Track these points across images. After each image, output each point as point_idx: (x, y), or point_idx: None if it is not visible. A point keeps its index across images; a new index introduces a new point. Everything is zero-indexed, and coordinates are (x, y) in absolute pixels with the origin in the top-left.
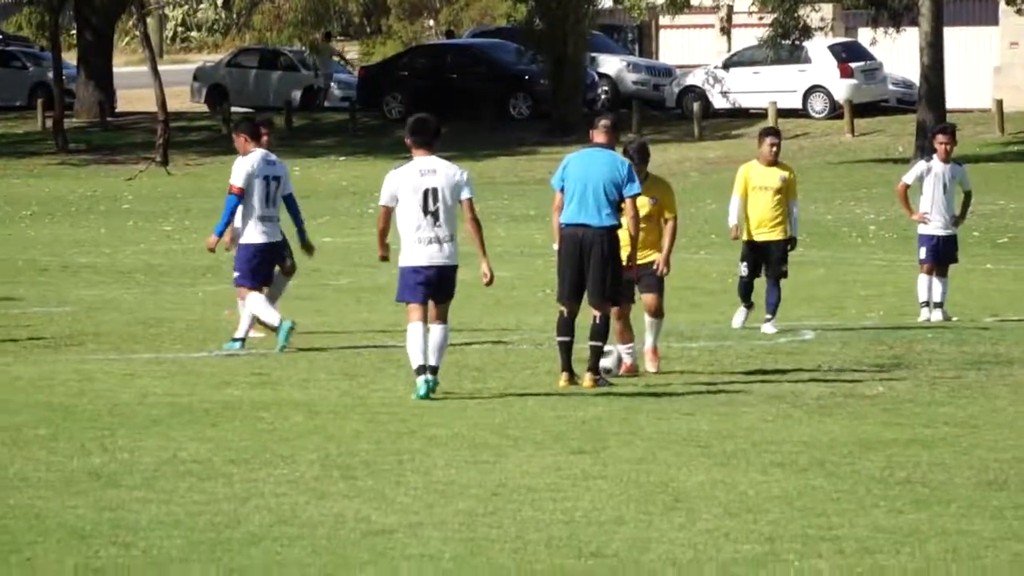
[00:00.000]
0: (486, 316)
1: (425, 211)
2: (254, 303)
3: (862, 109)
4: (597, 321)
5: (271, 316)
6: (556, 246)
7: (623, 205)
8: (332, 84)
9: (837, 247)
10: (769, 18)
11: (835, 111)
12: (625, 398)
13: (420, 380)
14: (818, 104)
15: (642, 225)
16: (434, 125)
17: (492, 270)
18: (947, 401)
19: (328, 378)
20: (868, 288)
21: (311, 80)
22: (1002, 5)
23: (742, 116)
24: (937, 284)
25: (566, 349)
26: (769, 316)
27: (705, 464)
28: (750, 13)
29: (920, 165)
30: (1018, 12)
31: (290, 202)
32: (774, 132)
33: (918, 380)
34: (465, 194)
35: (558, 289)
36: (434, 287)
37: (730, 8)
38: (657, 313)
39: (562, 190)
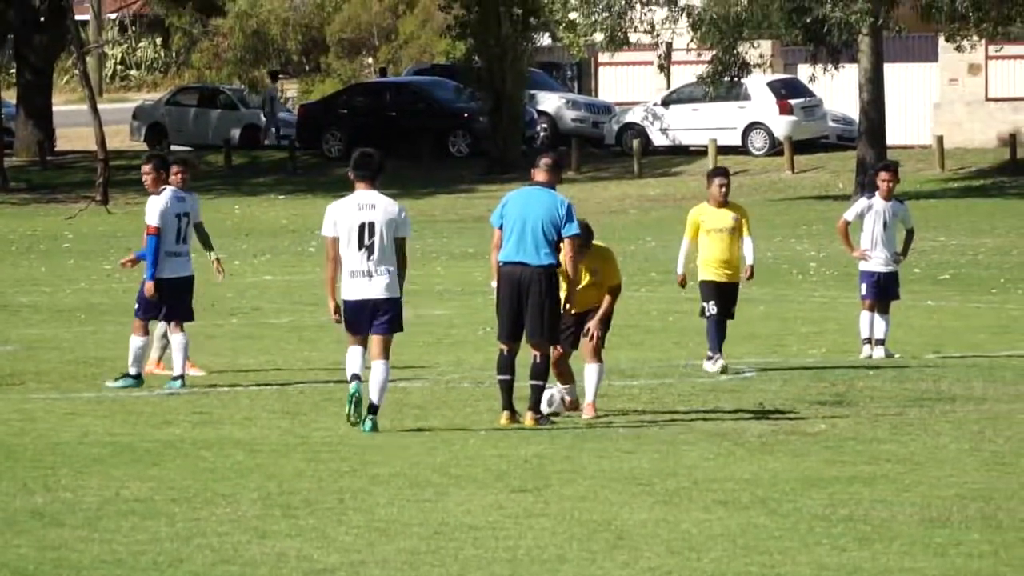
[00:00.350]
0: (426, 354)
1: (360, 244)
2: (178, 344)
3: (802, 146)
4: (537, 360)
5: (179, 363)
6: (494, 283)
7: (561, 245)
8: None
9: (778, 284)
10: (708, 55)
11: (775, 148)
12: (567, 436)
13: (352, 384)
14: (758, 141)
15: (584, 288)
16: (377, 160)
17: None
18: (889, 438)
19: (269, 416)
20: (809, 325)
21: (250, 118)
22: (941, 41)
23: (682, 153)
24: (879, 321)
25: (507, 387)
26: (711, 356)
27: (647, 502)
28: (689, 50)
29: (861, 202)
30: (957, 49)
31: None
32: (722, 172)
33: (860, 417)
34: (400, 233)
35: (498, 328)
36: (368, 319)
37: (669, 45)
38: (595, 357)
39: (501, 228)
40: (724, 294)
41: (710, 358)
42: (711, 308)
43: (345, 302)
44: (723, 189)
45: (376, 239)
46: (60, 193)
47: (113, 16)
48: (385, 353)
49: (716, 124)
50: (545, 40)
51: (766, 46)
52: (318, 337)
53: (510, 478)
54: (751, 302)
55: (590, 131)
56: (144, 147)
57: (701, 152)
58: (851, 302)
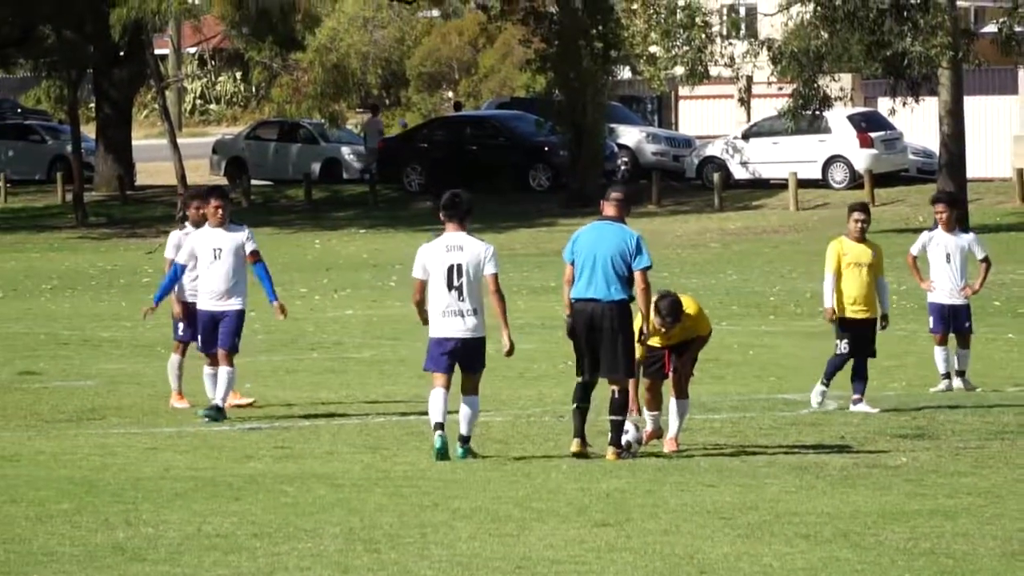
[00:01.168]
0: (508, 388)
1: (450, 286)
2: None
3: (882, 179)
4: (615, 395)
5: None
6: (567, 317)
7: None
8: (352, 157)
9: None
10: (788, 88)
11: (855, 181)
12: (649, 470)
13: (436, 435)
14: (838, 174)
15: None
16: (466, 202)
17: (512, 341)
18: (970, 471)
19: (351, 451)
20: (890, 358)
21: (330, 152)
22: (1021, 74)
23: (762, 187)
24: (960, 354)
25: (580, 415)
26: (859, 397)
27: (729, 536)
28: (769, 83)
29: (923, 235)
30: None
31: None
32: (861, 207)
33: (941, 451)
34: (488, 270)
35: (575, 363)
36: (459, 357)
37: (749, 79)
38: (681, 394)
39: (572, 263)
40: (859, 331)
41: (858, 400)
42: (842, 347)
43: (433, 339)
44: (860, 224)
45: (464, 279)
46: (140, 228)
47: (192, 50)
48: (475, 389)
49: (796, 157)
50: (625, 73)
51: (846, 79)
52: (399, 371)
53: (592, 512)
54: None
55: (671, 165)
56: (225, 181)
57: (782, 185)
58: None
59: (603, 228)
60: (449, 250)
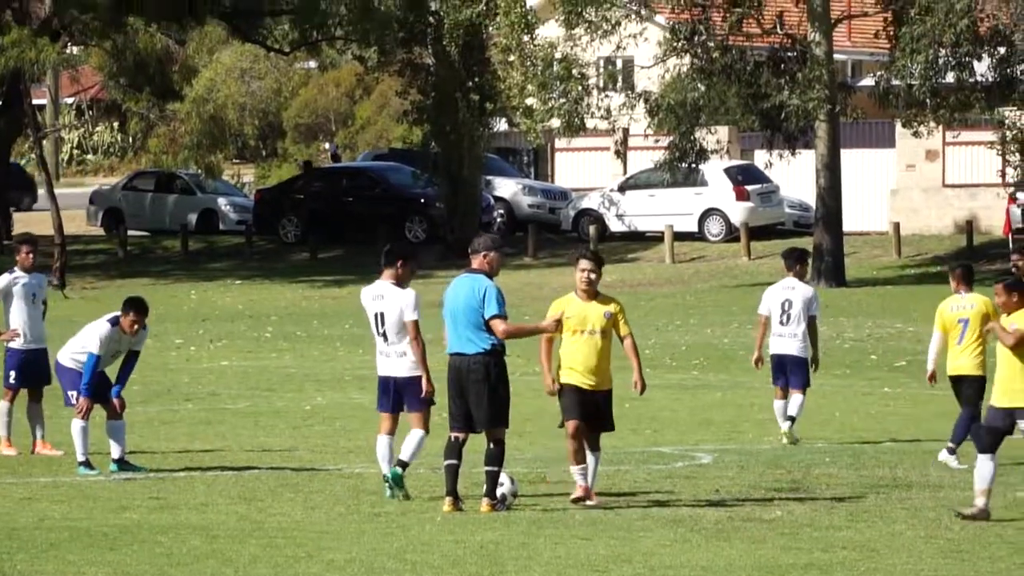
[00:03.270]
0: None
1: (378, 331)
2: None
3: (758, 232)
4: (491, 447)
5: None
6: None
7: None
8: (228, 208)
9: (734, 371)
10: (665, 141)
11: (731, 234)
12: (523, 523)
13: (385, 486)
14: (714, 227)
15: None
16: (396, 251)
17: (432, 386)
18: (845, 525)
19: (226, 502)
20: (765, 412)
21: (207, 203)
22: (898, 127)
23: (638, 239)
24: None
25: (452, 473)
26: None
27: None
28: (646, 136)
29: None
30: (915, 135)
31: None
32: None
33: (816, 504)
34: (407, 316)
35: (449, 418)
36: (395, 395)
37: (626, 131)
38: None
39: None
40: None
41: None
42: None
43: (378, 379)
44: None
45: (387, 327)
46: None
47: (70, 100)
48: (419, 423)
49: (673, 210)
50: (502, 125)
51: (723, 132)
52: (274, 423)
53: (466, 564)
54: (708, 388)
55: (547, 217)
56: (101, 232)
57: (658, 238)
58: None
59: (461, 281)
60: (374, 299)
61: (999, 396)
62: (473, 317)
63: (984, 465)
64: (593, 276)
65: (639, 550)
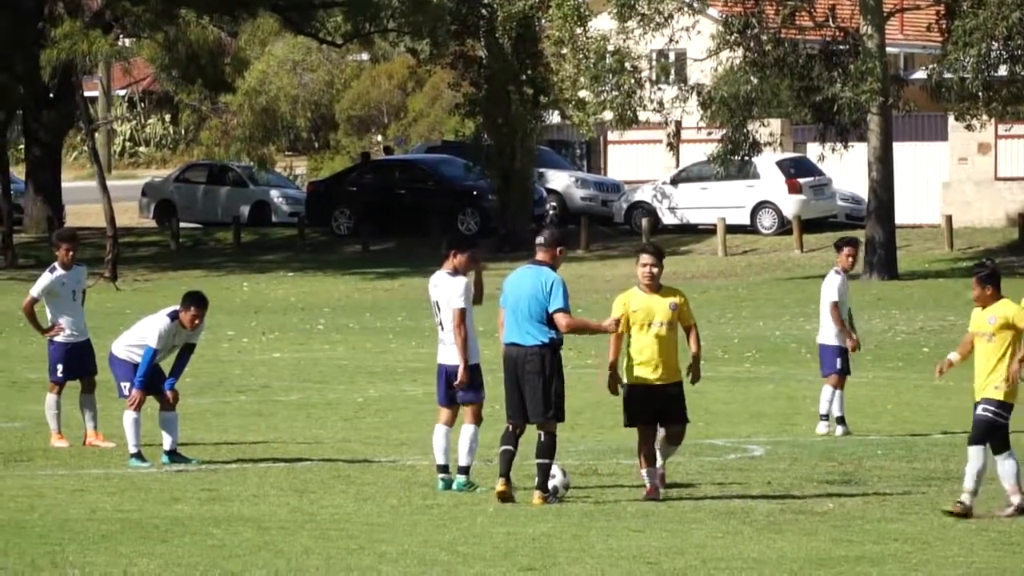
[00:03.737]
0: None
1: (435, 318)
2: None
3: (811, 225)
4: (541, 439)
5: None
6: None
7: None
8: (280, 200)
9: (786, 363)
10: (718, 133)
11: (784, 227)
12: (575, 515)
13: (438, 478)
14: (767, 220)
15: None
16: (450, 242)
17: (468, 376)
18: (897, 517)
19: (278, 494)
20: (818, 404)
21: (259, 195)
22: (951, 121)
23: (691, 232)
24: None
25: (507, 458)
26: None
27: None
28: (699, 128)
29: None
30: (967, 128)
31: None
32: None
33: (868, 496)
34: (453, 304)
35: (505, 408)
36: (449, 387)
37: (678, 124)
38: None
39: (503, 308)
40: None
41: None
42: None
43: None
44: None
45: (441, 315)
46: None
47: (122, 93)
48: (471, 417)
49: (725, 203)
50: (554, 118)
51: (776, 125)
52: (326, 415)
53: (518, 556)
54: (760, 380)
55: (599, 209)
56: (153, 224)
57: (710, 231)
58: (858, 382)
59: (524, 272)
60: (434, 286)
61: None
62: (536, 309)
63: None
64: (655, 270)
65: (691, 542)
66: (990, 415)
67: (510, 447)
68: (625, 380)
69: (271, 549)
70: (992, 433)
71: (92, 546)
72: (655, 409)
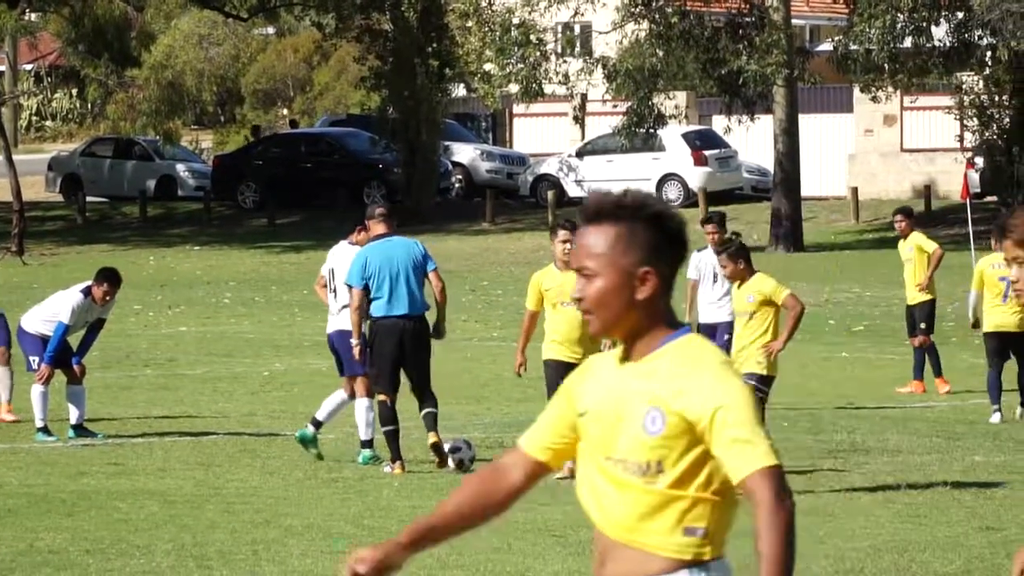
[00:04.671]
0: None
1: (329, 285)
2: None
3: (717, 197)
4: (429, 402)
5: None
6: (355, 340)
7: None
8: (187, 174)
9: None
10: (623, 106)
11: (690, 199)
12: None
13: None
14: (672, 192)
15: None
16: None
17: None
18: (803, 490)
19: (183, 468)
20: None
21: (165, 169)
22: (856, 92)
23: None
24: None
25: (394, 437)
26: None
27: (561, 554)
28: (604, 101)
29: (693, 256)
30: (873, 100)
31: None
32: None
33: None
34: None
35: (378, 380)
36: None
37: (584, 96)
38: None
39: (366, 286)
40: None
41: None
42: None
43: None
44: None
45: (336, 283)
46: None
47: (28, 67)
48: (363, 391)
49: (631, 175)
50: (460, 91)
51: (681, 97)
52: (232, 388)
53: None
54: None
55: (505, 182)
56: (60, 198)
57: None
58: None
59: (388, 244)
60: (332, 255)
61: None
62: (419, 279)
63: None
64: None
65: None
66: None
67: (393, 426)
68: (544, 356)
69: (177, 523)
70: None
71: None
72: None
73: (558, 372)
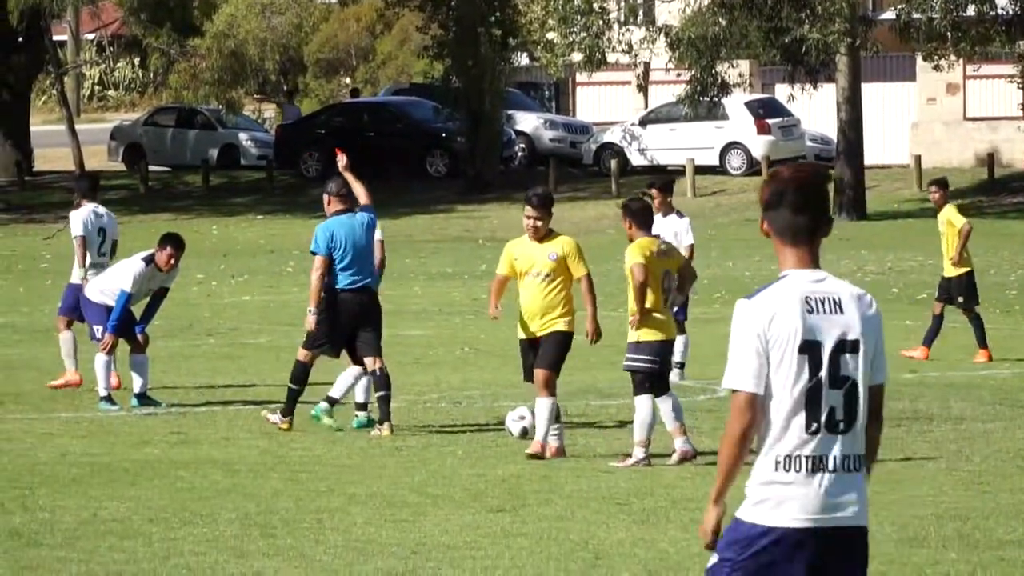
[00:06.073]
0: (404, 374)
1: None
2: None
3: (780, 165)
4: (379, 373)
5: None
6: (313, 307)
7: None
8: (249, 143)
9: None
10: (686, 75)
11: (752, 168)
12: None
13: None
14: (735, 161)
15: (545, 286)
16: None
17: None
18: None
19: (247, 437)
20: None
21: (228, 138)
22: (919, 61)
23: (659, 173)
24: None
25: (296, 397)
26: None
27: (624, 522)
28: (667, 70)
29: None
30: (935, 68)
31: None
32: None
33: None
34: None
35: (326, 345)
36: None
37: (647, 65)
38: (547, 388)
39: (330, 255)
40: None
41: None
42: None
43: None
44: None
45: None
46: (38, 213)
47: (91, 36)
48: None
49: (694, 144)
50: (523, 60)
51: (744, 66)
52: (294, 358)
53: (487, 498)
54: (728, 321)
55: (568, 151)
56: (122, 167)
57: (679, 172)
58: None
59: (351, 219)
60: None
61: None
62: (373, 254)
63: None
64: (539, 224)
65: (660, 483)
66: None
67: (303, 387)
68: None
69: (240, 492)
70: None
71: (62, 489)
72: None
73: (524, 351)
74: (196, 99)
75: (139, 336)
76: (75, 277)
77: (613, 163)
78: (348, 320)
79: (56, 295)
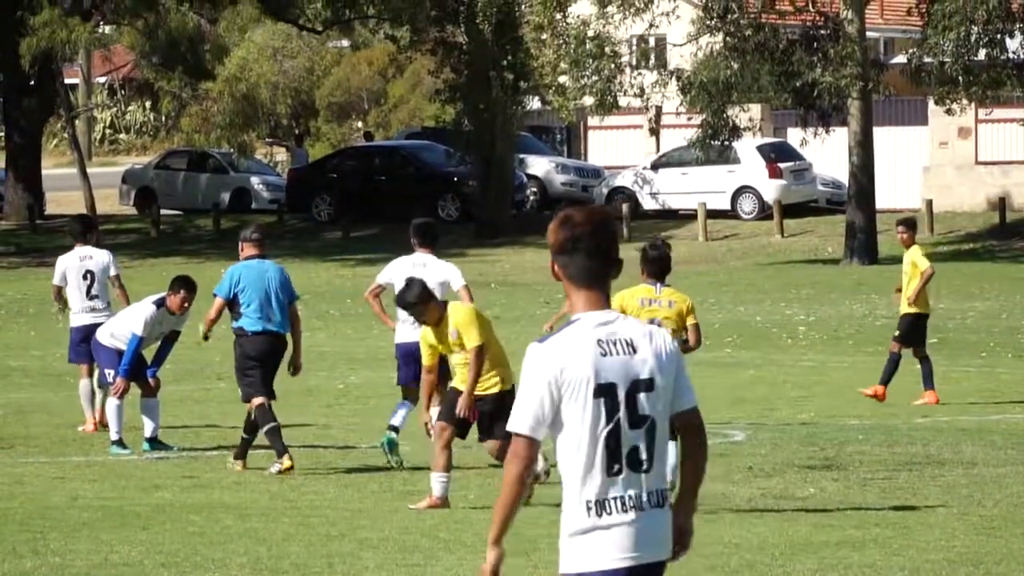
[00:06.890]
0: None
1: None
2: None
3: (791, 210)
4: (260, 410)
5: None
6: (205, 330)
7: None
8: (261, 187)
9: (767, 348)
10: (698, 119)
11: (764, 212)
12: (555, 500)
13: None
14: (747, 205)
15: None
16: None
17: None
18: (878, 502)
19: (258, 480)
20: (798, 389)
21: (239, 182)
22: (931, 105)
23: (671, 217)
24: None
25: (277, 432)
26: None
27: None
28: (679, 114)
29: None
30: (947, 112)
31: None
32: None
33: (849, 481)
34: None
35: (256, 387)
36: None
37: (659, 109)
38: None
39: (233, 298)
40: None
41: None
42: None
43: (398, 344)
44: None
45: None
46: (49, 256)
47: (102, 80)
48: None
49: (706, 188)
50: (535, 104)
51: (756, 110)
52: (305, 402)
53: None
54: (741, 366)
55: (580, 195)
56: (134, 211)
57: (691, 216)
58: (840, 366)
59: (261, 265)
60: (414, 266)
61: None
62: (283, 298)
63: None
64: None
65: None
66: None
67: (276, 422)
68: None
69: (252, 536)
70: None
71: (73, 533)
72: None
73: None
74: (208, 143)
75: (150, 380)
76: (73, 320)
77: (624, 207)
78: (258, 359)
79: (67, 340)
